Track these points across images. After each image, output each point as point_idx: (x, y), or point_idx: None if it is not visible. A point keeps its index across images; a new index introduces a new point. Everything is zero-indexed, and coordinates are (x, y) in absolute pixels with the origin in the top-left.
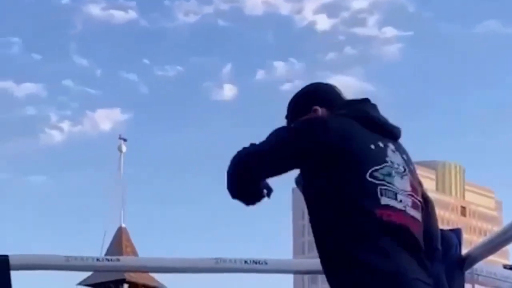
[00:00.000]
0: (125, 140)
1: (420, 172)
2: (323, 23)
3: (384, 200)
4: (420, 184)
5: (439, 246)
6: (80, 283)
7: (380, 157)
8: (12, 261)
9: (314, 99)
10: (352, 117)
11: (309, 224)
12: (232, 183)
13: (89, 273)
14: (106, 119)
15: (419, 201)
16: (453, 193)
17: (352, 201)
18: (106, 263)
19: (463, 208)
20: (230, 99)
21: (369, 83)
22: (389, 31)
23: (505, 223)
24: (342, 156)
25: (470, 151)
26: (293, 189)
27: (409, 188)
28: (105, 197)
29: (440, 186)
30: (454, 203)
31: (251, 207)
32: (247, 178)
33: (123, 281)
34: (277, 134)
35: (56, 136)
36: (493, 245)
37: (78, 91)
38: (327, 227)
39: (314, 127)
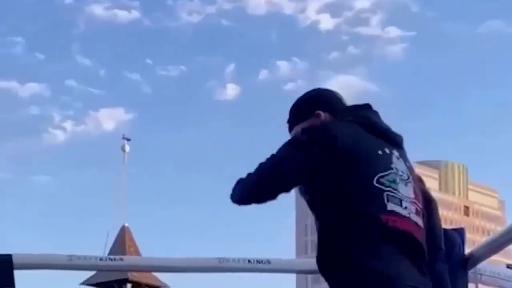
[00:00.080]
0: (128, 139)
1: (423, 171)
2: (327, 22)
3: (390, 206)
4: (421, 190)
5: (443, 246)
6: (83, 283)
7: (386, 164)
8: (15, 260)
9: (316, 104)
10: (357, 123)
11: (312, 224)
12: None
13: (92, 273)
14: (110, 119)
15: (421, 208)
16: (456, 192)
17: (359, 205)
18: (109, 262)
19: (466, 207)
20: (233, 99)
21: (372, 83)
22: (393, 31)
23: (508, 222)
24: (351, 161)
25: (474, 151)
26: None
27: (412, 195)
28: (108, 197)
29: (443, 186)
30: (457, 203)
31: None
32: (265, 199)
33: (126, 280)
34: (285, 156)
35: (60, 136)
36: (496, 245)
37: (82, 91)
38: (332, 227)
39: (324, 133)
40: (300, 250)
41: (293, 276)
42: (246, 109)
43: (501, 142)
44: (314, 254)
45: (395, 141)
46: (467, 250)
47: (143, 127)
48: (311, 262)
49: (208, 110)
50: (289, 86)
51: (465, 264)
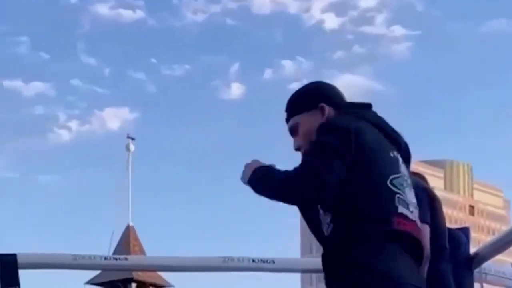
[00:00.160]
0: (133, 139)
1: (428, 171)
2: (331, 21)
3: (400, 209)
4: (424, 189)
5: (447, 245)
6: (87, 282)
7: (396, 167)
8: (20, 260)
9: (320, 97)
10: (371, 123)
11: None
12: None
13: (96, 272)
14: (114, 118)
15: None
16: (461, 192)
17: (373, 205)
18: (114, 262)
19: (471, 207)
20: (238, 98)
21: (377, 82)
22: (398, 30)
23: None
24: (370, 161)
25: (479, 150)
26: None
27: (414, 200)
28: (113, 196)
29: (448, 185)
30: (462, 202)
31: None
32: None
33: (131, 280)
34: (324, 163)
35: (65, 135)
36: (501, 244)
37: (86, 90)
38: (345, 226)
39: (351, 134)
40: (305, 249)
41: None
42: (250, 108)
43: (506, 141)
44: (319, 253)
45: (399, 145)
46: (472, 250)
47: (147, 126)
48: (315, 261)
49: (213, 109)
50: (294, 85)
51: (470, 263)
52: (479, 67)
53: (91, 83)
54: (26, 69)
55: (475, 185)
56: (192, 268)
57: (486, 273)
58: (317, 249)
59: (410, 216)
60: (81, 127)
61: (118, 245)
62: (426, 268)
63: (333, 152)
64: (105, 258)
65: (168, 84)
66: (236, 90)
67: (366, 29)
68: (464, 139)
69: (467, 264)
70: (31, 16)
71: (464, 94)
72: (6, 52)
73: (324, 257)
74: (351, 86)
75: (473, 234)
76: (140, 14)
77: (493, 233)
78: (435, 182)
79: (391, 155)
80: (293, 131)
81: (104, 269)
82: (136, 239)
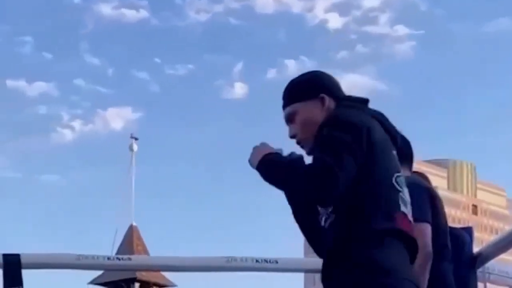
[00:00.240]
0: (136, 139)
1: (432, 170)
2: (335, 21)
3: (402, 207)
4: (426, 188)
5: (448, 244)
6: (91, 282)
7: (398, 165)
8: (23, 260)
9: (321, 87)
10: (377, 121)
11: None
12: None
13: (100, 272)
14: (118, 118)
15: None
16: (465, 191)
17: (378, 202)
18: (117, 262)
19: (475, 206)
20: (241, 98)
21: (381, 82)
22: (401, 30)
23: None
24: (378, 158)
25: (482, 150)
26: None
27: (409, 199)
28: (116, 196)
29: (452, 185)
30: (466, 202)
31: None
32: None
33: (134, 279)
34: (338, 160)
35: (68, 135)
36: (505, 244)
37: (90, 90)
38: (351, 222)
39: (362, 129)
40: (308, 249)
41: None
42: (254, 108)
43: (510, 141)
44: None
45: (396, 141)
46: (475, 249)
47: (151, 126)
48: (318, 261)
49: (216, 109)
50: None
51: (473, 263)
52: (482, 67)
53: (94, 83)
54: (30, 69)
55: (478, 185)
56: (195, 268)
57: (489, 273)
58: None
59: (409, 216)
60: (85, 127)
61: (121, 244)
62: (429, 268)
63: (345, 148)
64: (108, 258)
65: (172, 83)
66: (239, 89)
67: (370, 28)
68: (468, 139)
69: (471, 263)
70: (34, 16)
71: (467, 94)
72: (9, 52)
73: (329, 249)
74: (355, 86)
75: (476, 234)
76: (143, 14)
77: (496, 233)
78: (438, 182)
79: (393, 152)
80: (290, 119)
81: (107, 269)
82: (139, 238)
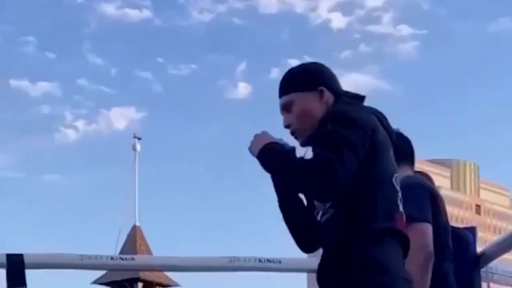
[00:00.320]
0: (139, 138)
1: (435, 170)
2: (338, 21)
3: (400, 207)
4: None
5: (450, 244)
6: (94, 282)
7: (395, 165)
8: (26, 260)
9: (321, 79)
10: (378, 119)
11: None
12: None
13: (103, 272)
14: (121, 118)
15: None
16: (468, 191)
17: (379, 202)
18: (121, 262)
19: (478, 206)
20: (244, 97)
21: (384, 81)
22: (404, 29)
23: None
24: (381, 156)
25: (485, 149)
26: None
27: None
28: (119, 196)
29: (455, 184)
30: (469, 201)
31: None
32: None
33: (138, 279)
34: (344, 157)
35: (71, 135)
36: (508, 243)
37: (93, 90)
38: (352, 221)
39: (365, 127)
40: None
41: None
42: (257, 107)
43: None
44: None
45: (392, 140)
46: (479, 249)
47: (154, 126)
48: None
49: (220, 109)
50: None
51: (477, 263)
52: (484, 66)
53: (97, 83)
54: (33, 69)
55: (481, 185)
56: (198, 268)
57: (492, 273)
58: None
59: (403, 216)
60: (88, 127)
61: (124, 245)
62: (431, 267)
63: (349, 145)
64: (112, 258)
65: (175, 83)
66: (242, 89)
67: (373, 28)
68: (471, 139)
69: (475, 263)
70: (37, 16)
71: (470, 94)
72: (12, 52)
73: (327, 248)
74: (358, 85)
75: (479, 234)
76: (146, 13)
77: (500, 232)
78: (442, 182)
79: (391, 152)
80: (286, 108)
81: (111, 269)
82: (143, 238)
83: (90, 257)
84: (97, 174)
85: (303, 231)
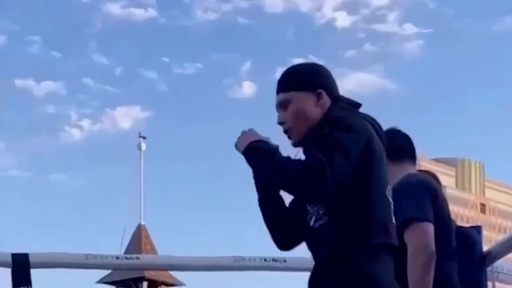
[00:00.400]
0: (144, 138)
1: (440, 169)
2: (343, 20)
3: (393, 219)
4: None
5: (453, 244)
6: (99, 281)
7: (387, 177)
8: (32, 259)
9: (321, 82)
10: (373, 127)
11: None
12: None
13: (108, 271)
14: (126, 117)
15: None
16: (473, 190)
17: (374, 213)
18: (126, 261)
19: (483, 205)
20: (249, 97)
21: (389, 80)
22: (409, 28)
23: None
24: (377, 167)
25: (490, 148)
26: None
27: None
28: (124, 195)
29: (460, 183)
30: (474, 200)
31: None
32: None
33: (143, 278)
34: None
35: (76, 134)
36: None
37: (98, 89)
38: (347, 230)
39: (362, 135)
40: None
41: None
42: (262, 107)
43: None
44: None
45: (386, 150)
46: (484, 248)
47: (159, 125)
48: None
49: (224, 108)
50: None
51: (483, 262)
52: (489, 65)
53: (102, 82)
54: (38, 68)
55: (486, 183)
56: (204, 267)
57: (498, 272)
58: None
59: (395, 226)
60: (93, 126)
61: (129, 244)
62: (433, 267)
63: (343, 151)
64: (117, 258)
65: (180, 83)
66: (247, 88)
67: (378, 27)
68: (476, 137)
69: (481, 262)
70: (43, 15)
71: (475, 93)
72: (17, 51)
73: (322, 259)
74: (363, 84)
75: (484, 233)
76: (151, 13)
77: (505, 231)
78: (447, 181)
79: (386, 161)
80: (282, 105)
81: (116, 268)
82: (148, 238)
83: (95, 256)
84: (102, 173)
85: (282, 229)
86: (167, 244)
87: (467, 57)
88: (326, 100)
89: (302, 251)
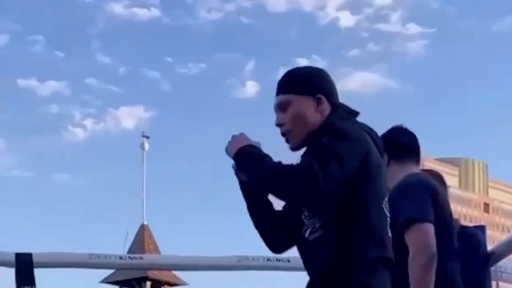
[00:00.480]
0: (147, 137)
1: (443, 168)
2: (346, 19)
3: (389, 232)
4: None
5: (455, 244)
6: (102, 281)
7: (384, 189)
8: (35, 259)
9: (322, 87)
10: (370, 137)
11: None
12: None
13: (111, 271)
14: (129, 117)
15: None
16: (477, 189)
17: (373, 226)
18: (129, 261)
19: (486, 204)
20: (252, 96)
21: (392, 80)
22: (413, 28)
23: None
24: (374, 179)
25: (494, 148)
26: None
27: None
28: (127, 195)
29: (463, 183)
30: (478, 200)
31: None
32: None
33: (146, 278)
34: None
35: (79, 134)
36: None
37: (101, 89)
38: (345, 244)
39: (361, 148)
40: None
41: None
42: (265, 106)
43: None
44: None
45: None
46: (488, 248)
47: (162, 125)
48: None
49: (228, 108)
50: None
51: (487, 261)
52: (493, 64)
53: (106, 82)
54: (41, 68)
55: (490, 183)
56: (207, 267)
57: (501, 272)
58: None
59: (391, 239)
60: (96, 126)
61: (132, 244)
62: (434, 267)
63: (336, 157)
64: (121, 257)
65: (183, 82)
66: (251, 88)
67: (381, 27)
68: (480, 137)
69: (485, 262)
70: (46, 15)
71: (479, 92)
72: (20, 51)
73: (318, 273)
74: (366, 84)
75: (488, 232)
76: (155, 12)
77: (508, 231)
78: (450, 180)
79: (383, 172)
80: (282, 107)
81: (120, 268)
82: (151, 238)
83: (99, 256)
84: (105, 173)
85: (274, 234)
86: (170, 244)
87: (470, 56)
88: (326, 106)
89: None
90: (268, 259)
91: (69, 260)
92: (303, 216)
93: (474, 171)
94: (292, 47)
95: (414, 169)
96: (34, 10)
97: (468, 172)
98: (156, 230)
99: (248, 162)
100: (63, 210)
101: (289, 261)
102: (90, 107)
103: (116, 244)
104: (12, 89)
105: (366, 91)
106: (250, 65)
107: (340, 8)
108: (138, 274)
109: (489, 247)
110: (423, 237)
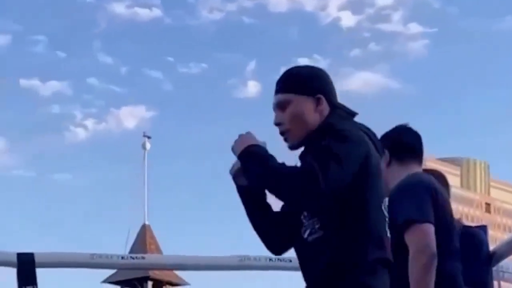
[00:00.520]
0: (149, 137)
1: (445, 168)
2: (348, 19)
3: (388, 233)
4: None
5: (456, 244)
6: (104, 281)
7: (384, 191)
8: (37, 259)
9: (322, 88)
10: (368, 138)
11: None
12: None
13: (113, 271)
14: (131, 117)
15: None
16: (478, 189)
17: (373, 228)
18: (131, 261)
19: (488, 204)
20: (254, 96)
21: (394, 80)
22: (414, 28)
23: None
24: (374, 181)
25: (496, 148)
26: None
27: None
28: (129, 195)
29: (465, 183)
30: (479, 200)
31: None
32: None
33: (147, 278)
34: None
35: (81, 134)
36: None
37: (103, 89)
38: (345, 244)
39: (361, 149)
40: None
41: None
42: (267, 106)
43: None
44: None
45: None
46: (490, 248)
47: (164, 125)
48: None
49: (229, 108)
50: None
51: (489, 261)
52: (494, 64)
53: (107, 82)
54: (43, 68)
55: (491, 183)
56: (209, 267)
57: (503, 271)
58: None
59: (389, 240)
60: (98, 126)
61: (134, 244)
62: (434, 268)
63: (336, 159)
64: (122, 257)
65: (185, 82)
66: (252, 88)
67: (383, 26)
68: (481, 137)
69: (487, 262)
70: (48, 15)
71: (480, 92)
72: (22, 51)
73: (318, 274)
74: (368, 83)
75: (489, 232)
76: (156, 12)
77: (510, 231)
78: (452, 180)
79: (382, 175)
80: (281, 106)
81: (122, 268)
82: (153, 237)
83: (100, 256)
84: (106, 173)
85: (273, 236)
86: (172, 244)
87: (472, 56)
88: (325, 106)
89: None
90: (270, 259)
91: (71, 260)
92: (302, 217)
93: (476, 171)
94: (294, 47)
95: (416, 170)
96: (35, 10)
97: (470, 172)
98: (158, 230)
99: (253, 161)
100: (65, 210)
101: (290, 261)
102: (91, 107)
103: (118, 244)
104: (14, 89)
105: (367, 91)
106: (252, 65)
107: (342, 8)
108: (139, 274)
109: (491, 247)
110: (423, 237)
